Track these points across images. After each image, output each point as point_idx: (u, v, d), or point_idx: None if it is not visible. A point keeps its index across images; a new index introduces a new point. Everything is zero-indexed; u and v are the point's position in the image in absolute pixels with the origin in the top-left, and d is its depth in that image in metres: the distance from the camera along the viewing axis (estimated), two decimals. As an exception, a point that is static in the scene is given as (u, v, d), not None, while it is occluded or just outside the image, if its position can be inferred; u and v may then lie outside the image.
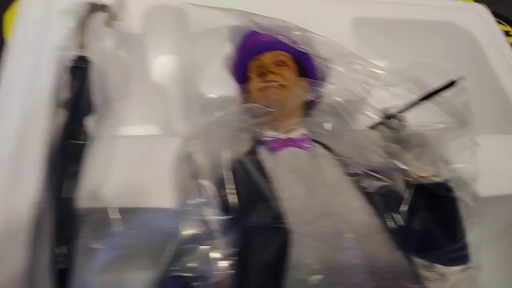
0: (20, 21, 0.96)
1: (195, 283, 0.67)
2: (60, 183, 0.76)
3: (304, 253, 0.64)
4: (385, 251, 0.66)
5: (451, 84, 0.79)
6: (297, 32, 0.92)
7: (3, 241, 0.70)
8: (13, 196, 0.74)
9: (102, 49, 0.90)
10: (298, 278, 0.62)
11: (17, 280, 0.68)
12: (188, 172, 0.77)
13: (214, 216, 0.72)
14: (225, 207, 0.73)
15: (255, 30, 0.94)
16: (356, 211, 0.69)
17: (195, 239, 0.71)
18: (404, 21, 1.15)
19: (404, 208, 0.75)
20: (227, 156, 0.77)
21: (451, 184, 0.77)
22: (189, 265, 0.68)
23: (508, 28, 1.77)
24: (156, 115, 1.06)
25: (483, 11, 1.22)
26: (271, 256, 0.65)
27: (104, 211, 0.73)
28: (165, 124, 1.06)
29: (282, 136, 0.84)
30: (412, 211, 0.75)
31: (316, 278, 0.62)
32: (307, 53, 0.93)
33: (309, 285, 0.61)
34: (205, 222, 0.72)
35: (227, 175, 0.75)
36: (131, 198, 0.75)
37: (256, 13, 0.89)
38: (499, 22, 1.68)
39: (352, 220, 0.67)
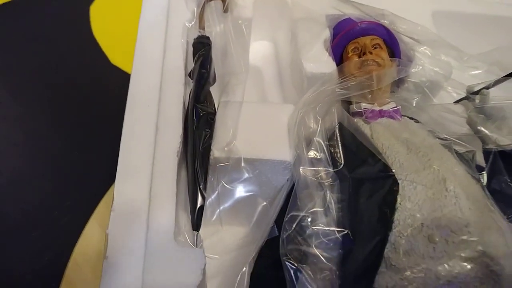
0: (146, 6, 1.13)
1: (311, 220, 0.81)
2: (197, 137, 0.91)
3: (412, 197, 0.76)
4: (481, 196, 0.78)
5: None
6: (388, 21, 1.06)
7: (155, 184, 0.85)
8: (159, 146, 0.89)
9: (220, 30, 1.05)
10: (406, 215, 0.75)
11: (168, 217, 0.83)
12: (301, 132, 0.91)
13: (324, 168, 0.86)
14: (334, 161, 0.86)
15: (351, 17, 1.09)
16: (454, 165, 0.82)
17: (311, 186, 0.84)
18: (479, 16, 1.27)
19: (485, 170, 0.87)
20: (334, 119, 0.91)
21: (528, 150, 0.89)
22: (307, 206, 0.82)
23: None
24: (253, 89, 1.21)
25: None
26: (380, 199, 0.78)
27: (234, 160, 0.88)
28: (260, 96, 1.22)
29: (376, 108, 0.97)
30: (491, 174, 0.86)
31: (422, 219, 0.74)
32: (395, 38, 1.07)
33: (416, 224, 0.74)
34: (317, 173, 0.86)
35: (336, 134, 0.89)
36: (255, 151, 0.89)
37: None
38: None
39: (451, 171, 0.79)
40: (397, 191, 0.77)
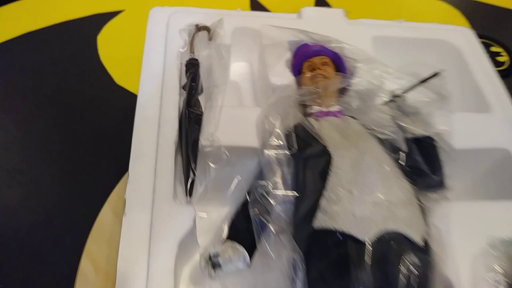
0: (149, 36, 1.47)
1: (272, 187, 1.11)
2: (189, 132, 1.24)
3: (340, 166, 1.07)
4: (392, 166, 1.08)
5: (435, 74, 1.24)
6: (336, 44, 1.40)
7: (159, 164, 1.17)
8: (160, 139, 1.21)
9: (206, 54, 1.39)
10: (336, 178, 1.06)
11: (168, 186, 1.14)
12: (266, 126, 1.22)
13: (283, 151, 1.17)
14: (290, 146, 1.18)
15: (306, 42, 1.43)
16: (374, 145, 1.12)
17: (272, 164, 1.16)
18: (410, 39, 1.62)
19: (403, 152, 1.18)
20: (290, 117, 1.23)
21: (435, 137, 1.21)
22: (270, 178, 1.13)
23: (500, 49, 2.21)
24: (232, 97, 1.53)
25: (468, 32, 1.68)
26: (320, 169, 1.08)
27: (216, 147, 1.20)
28: (237, 102, 1.54)
29: (324, 109, 1.28)
30: (408, 155, 1.17)
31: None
32: (341, 57, 1.40)
33: (342, 183, 1.05)
34: (277, 155, 1.17)
35: (291, 127, 1.21)
36: (231, 140, 1.21)
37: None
38: (491, 44, 2.14)
39: (370, 149, 1.11)
40: (330, 162, 1.08)
